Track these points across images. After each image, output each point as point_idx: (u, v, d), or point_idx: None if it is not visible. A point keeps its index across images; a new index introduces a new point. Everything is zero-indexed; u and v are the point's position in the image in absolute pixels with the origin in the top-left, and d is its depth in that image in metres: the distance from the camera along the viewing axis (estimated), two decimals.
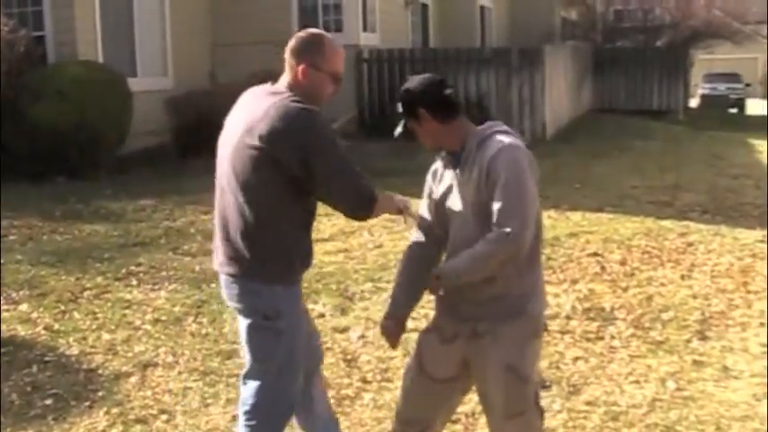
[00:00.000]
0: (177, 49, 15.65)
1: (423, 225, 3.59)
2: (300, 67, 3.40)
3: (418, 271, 3.55)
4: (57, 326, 6.15)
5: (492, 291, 3.34)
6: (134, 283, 7.15)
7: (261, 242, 3.40)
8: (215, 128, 3.80)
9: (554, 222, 9.40)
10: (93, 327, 6.14)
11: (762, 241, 8.38)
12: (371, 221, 9.32)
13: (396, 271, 3.70)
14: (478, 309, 3.38)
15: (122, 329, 6.10)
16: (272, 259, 3.42)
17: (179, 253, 8.01)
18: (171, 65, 15.58)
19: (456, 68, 17.16)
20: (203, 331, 6.07)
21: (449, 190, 3.43)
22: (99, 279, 7.21)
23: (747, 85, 39.12)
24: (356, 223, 9.27)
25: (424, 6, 22.63)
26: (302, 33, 3.49)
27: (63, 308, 6.50)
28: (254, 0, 16.98)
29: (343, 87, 3.71)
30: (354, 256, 8.01)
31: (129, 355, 5.66)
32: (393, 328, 3.59)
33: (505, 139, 3.32)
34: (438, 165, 3.55)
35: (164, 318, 6.33)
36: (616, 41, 29.01)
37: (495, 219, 3.21)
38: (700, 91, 37.68)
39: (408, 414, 3.62)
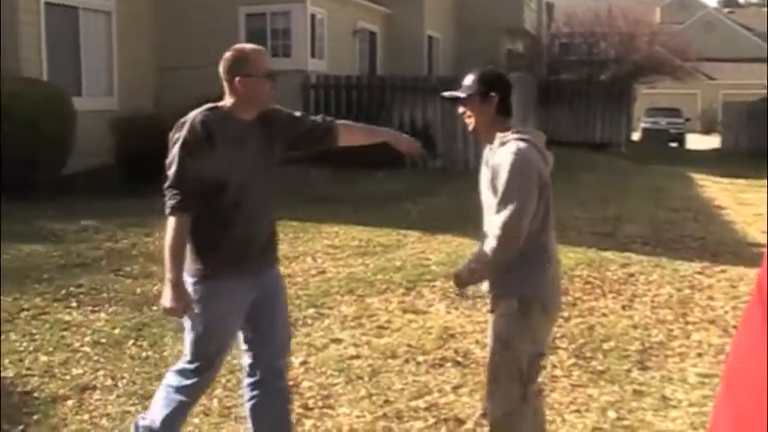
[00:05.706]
0: (123, 70, 15.54)
1: None
2: (236, 79, 3.74)
3: None
4: None
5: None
6: (74, 304, 7.03)
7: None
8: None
9: None
10: (30, 348, 6.01)
11: (700, 273, 8.52)
12: (316, 247, 9.27)
13: None
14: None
15: (60, 351, 5.99)
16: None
17: (120, 275, 7.91)
18: (117, 85, 15.47)
19: (402, 96, 17.28)
20: (143, 354, 5.98)
21: (479, 182, 3.78)
22: (37, 300, 7.08)
23: (687, 119, 39.87)
24: (300, 248, 9.26)
25: (372, 34, 22.76)
26: (228, 54, 3.84)
27: None
28: (202, 24, 16.96)
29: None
30: (297, 281, 7.97)
31: (67, 377, 5.55)
32: None
33: (513, 145, 3.56)
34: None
35: (103, 340, 6.23)
36: (561, 74, 29.39)
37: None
38: (642, 125, 38.27)
39: None
